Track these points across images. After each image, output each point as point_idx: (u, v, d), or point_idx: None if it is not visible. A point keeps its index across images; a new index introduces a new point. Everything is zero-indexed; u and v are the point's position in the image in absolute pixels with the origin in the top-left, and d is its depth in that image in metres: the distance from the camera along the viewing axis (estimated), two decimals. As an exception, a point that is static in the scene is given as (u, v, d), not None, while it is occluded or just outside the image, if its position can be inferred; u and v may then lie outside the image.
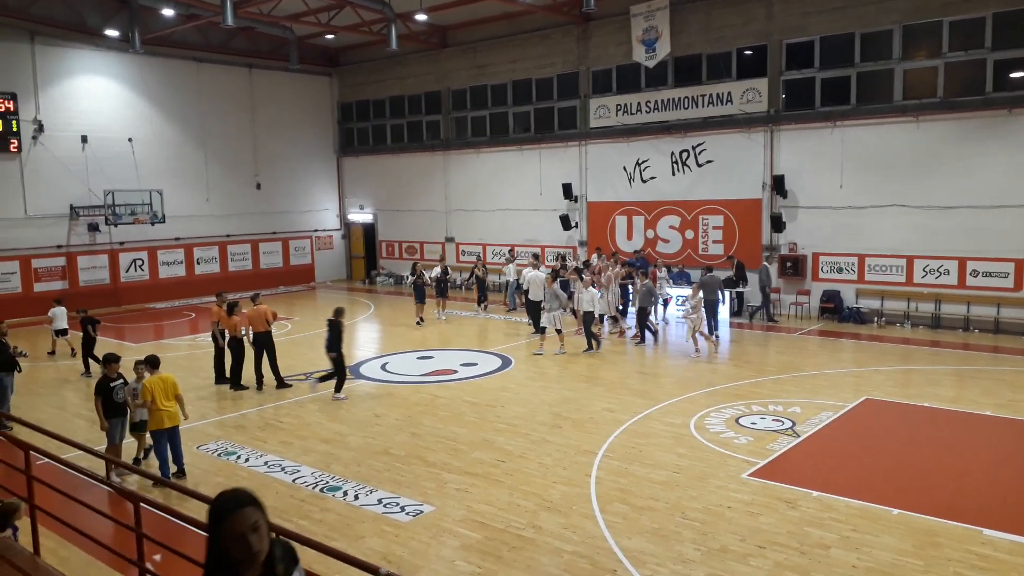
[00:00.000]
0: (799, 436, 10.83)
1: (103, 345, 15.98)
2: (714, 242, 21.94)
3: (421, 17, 24.27)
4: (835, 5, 19.29)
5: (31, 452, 6.83)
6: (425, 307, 21.28)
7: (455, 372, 15.37)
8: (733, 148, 21.26)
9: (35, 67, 23.65)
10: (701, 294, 16.87)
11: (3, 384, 12.19)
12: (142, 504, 5.77)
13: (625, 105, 23.25)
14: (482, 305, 22.96)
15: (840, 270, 19.94)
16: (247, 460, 10.47)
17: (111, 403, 9.87)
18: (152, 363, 9.88)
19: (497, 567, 7.27)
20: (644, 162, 23.12)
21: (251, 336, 14.34)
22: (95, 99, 25.03)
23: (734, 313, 20.74)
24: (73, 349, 16.94)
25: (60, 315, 17.50)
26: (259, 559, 2.82)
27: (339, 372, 13.55)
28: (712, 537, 7.75)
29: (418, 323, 20.82)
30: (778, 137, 20.60)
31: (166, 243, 26.79)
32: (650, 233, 23.22)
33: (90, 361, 15.61)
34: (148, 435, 10.16)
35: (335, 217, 32.39)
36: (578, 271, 19.60)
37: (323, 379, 13.80)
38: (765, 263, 20.39)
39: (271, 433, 11.71)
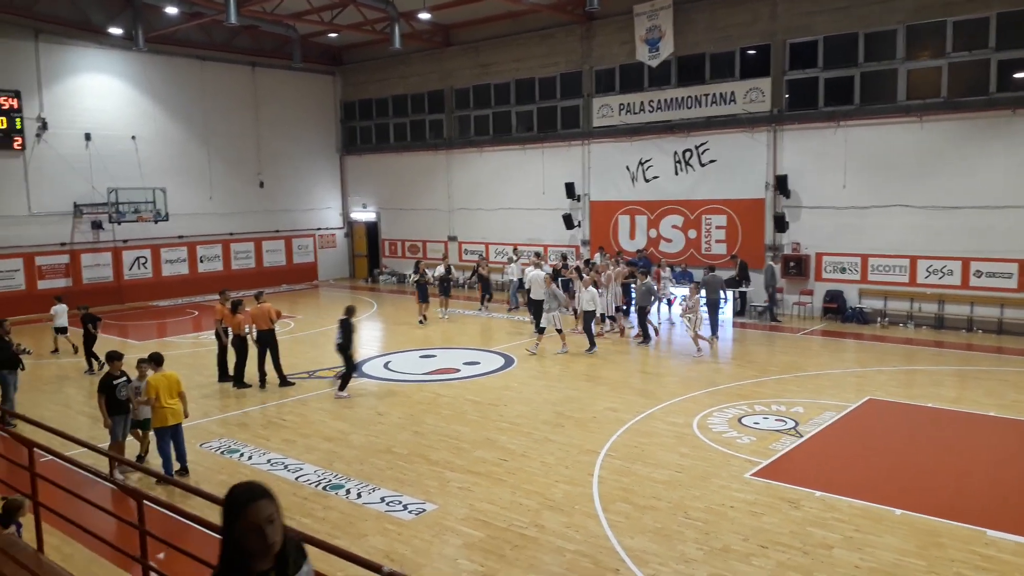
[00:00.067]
0: (802, 436, 10.82)
1: (107, 343, 16.00)
2: (717, 242, 21.92)
3: (424, 16, 24.28)
4: (839, 5, 19.26)
5: (35, 449, 6.85)
6: (428, 306, 21.29)
7: (458, 371, 15.37)
8: (736, 148, 21.24)
9: (39, 65, 23.69)
10: (699, 294, 16.85)
11: (6, 381, 12.23)
12: (145, 501, 5.77)
13: (628, 104, 23.24)
14: (485, 303, 22.96)
15: (843, 270, 19.92)
16: (250, 458, 10.49)
17: (114, 401, 9.87)
18: (156, 360, 9.89)
19: (499, 566, 7.27)
20: (647, 161, 23.11)
21: (255, 334, 14.36)
22: (99, 97, 25.07)
23: (737, 313, 20.72)
24: (75, 346, 16.97)
25: (61, 313, 17.53)
26: (274, 551, 2.84)
27: (347, 370, 13.58)
28: (715, 537, 7.74)
29: (420, 322, 20.83)
30: (781, 137, 20.57)
31: (169, 241, 26.82)
32: (653, 233, 23.20)
33: (93, 359, 15.63)
34: (148, 433, 10.21)
35: (338, 216, 32.43)
36: (578, 270, 19.60)
37: (343, 382, 13.73)
38: (771, 263, 20.35)
39: (274, 431, 11.73)
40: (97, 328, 16.14)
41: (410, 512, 8.54)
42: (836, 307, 19.79)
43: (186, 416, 9.98)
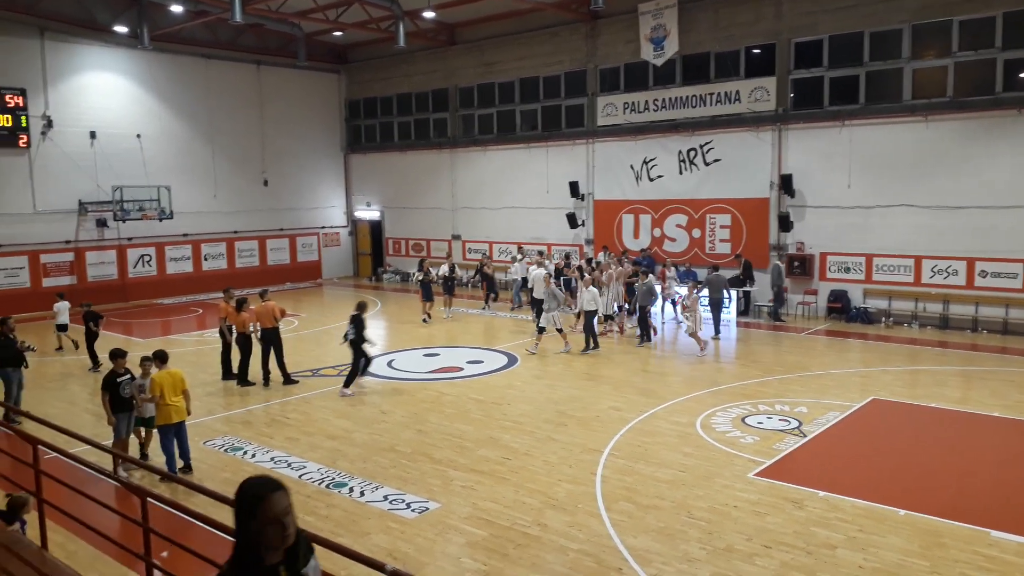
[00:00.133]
0: (806, 436, 10.80)
1: (112, 340, 16.04)
2: (721, 241, 21.89)
3: (429, 14, 24.26)
4: (844, 4, 19.21)
5: (39, 446, 6.87)
6: (432, 304, 21.29)
7: (461, 369, 15.38)
8: (741, 147, 21.20)
9: (44, 63, 23.75)
10: (698, 292, 16.81)
11: (10, 379, 12.26)
12: (149, 499, 5.79)
13: (633, 103, 23.21)
14: (489, 302, 22.95)
15: (848, 270, 19.88)
16: (253, 456, 10.50)
17: (118, 398, 9.89)
18: (161, 358, 9.91)
19: (502, 564, 7.28)
20: (651, 160, 23.08)
21: (259, 332, 14.39)
22: (104, 95, 25.12)
23: (741, 312, 20.69)
24: (75, 342, 17.00)
25: (62, 310, 17.57)
26: (289, 543, 2.82)
27: (354, 367, 13.61)
28: (718, 536, 7.74)
29: (424, 320, 20.83)
30: (786, 136, 20.53)
31: (174, 239, 26.87)
32: (657, 232, 23.17)
33: (97, 356, 15.66)
34: (145, 431, 10.25)
35: (342, 214, 32.45)
36: (580, 269, 19.57)
37: (364, 370, 13.83)
38: (777, 262, 20.29)
39: (277, 429, 11.74)
40: (99, 326, 16.17)
41: (413, 511, 8.54)
42: (840, 307, 19.75)
43: (189, 414, 10.00)
